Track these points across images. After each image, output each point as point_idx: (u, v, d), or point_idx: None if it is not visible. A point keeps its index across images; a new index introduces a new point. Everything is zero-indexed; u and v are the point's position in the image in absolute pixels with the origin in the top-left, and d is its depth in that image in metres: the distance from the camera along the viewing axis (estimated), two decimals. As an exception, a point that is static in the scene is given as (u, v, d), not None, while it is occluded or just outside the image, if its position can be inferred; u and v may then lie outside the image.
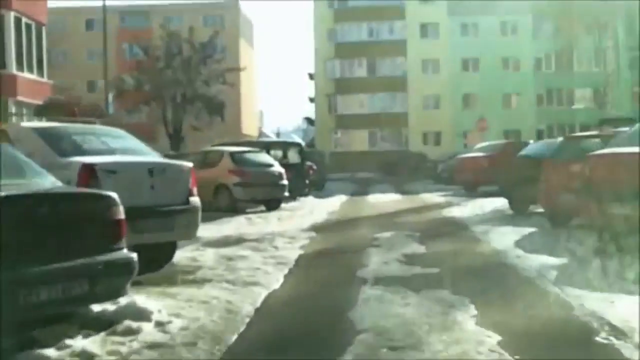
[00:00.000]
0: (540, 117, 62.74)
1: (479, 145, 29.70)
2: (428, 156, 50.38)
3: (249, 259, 10.27)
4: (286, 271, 9.32)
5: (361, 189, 34.20)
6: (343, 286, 8.21)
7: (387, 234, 13.27)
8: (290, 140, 39.06)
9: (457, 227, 14.87)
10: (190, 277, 8.91)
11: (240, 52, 73.34)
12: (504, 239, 12.09)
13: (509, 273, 8.81)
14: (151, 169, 9.06)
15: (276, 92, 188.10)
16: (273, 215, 18.76)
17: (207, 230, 14.59)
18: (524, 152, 18.60)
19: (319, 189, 31.66)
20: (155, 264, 9.57)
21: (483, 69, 63.54)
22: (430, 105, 65.00)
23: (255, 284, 8.31)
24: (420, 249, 11.22)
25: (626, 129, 12.23)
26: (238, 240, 12.77)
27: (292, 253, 10.98)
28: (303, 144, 33.56)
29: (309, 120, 77.01)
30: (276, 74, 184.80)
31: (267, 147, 24.60)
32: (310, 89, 72.95)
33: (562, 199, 13.05)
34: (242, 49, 74.93)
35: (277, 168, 21.21)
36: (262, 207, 20.87)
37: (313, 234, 13.96)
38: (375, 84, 64.47)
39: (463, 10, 63.38)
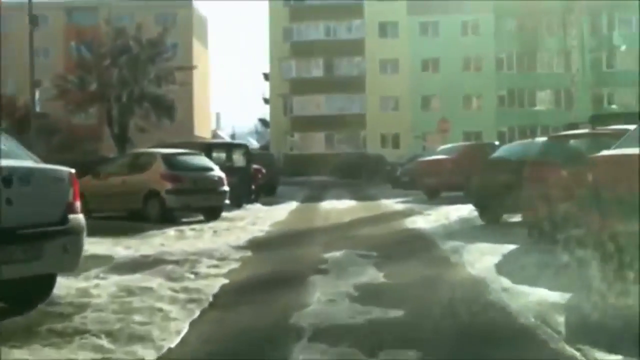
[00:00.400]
0: (502, 118, 60.96)
1: (441, 147, 27.69)
2: (387, 159, 48.18)
3: (154, 293, 7.79)
4: (196, 315, 6.86)
5: (315, 194, 31.77)
6: (268, 345, 5.79)
7: (337, 254, 10.84)
8: (234, 141, 36.52)
9: (421, 243, 12.52)
10: (62, 325, 6.38)
11: (194, 52, 70.61)
12: (481, 260, 9.78)
13: (500, 322, 6.44)
14: (7, 177, 6.52)
15: (232, 93, 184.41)
16: (210, 226, 16.24)
17: (124, 248, 12.21)
18: (497, 154, 16.40)
19: (270, 194, 29.31)
20: (25, 302, 7.15)
21: (443, 70, 61.51)
22: (389, 107, 62.82)
23: (143, 339, 5.85)
24: (378, 276, 8.81)
25: (631, 127, 9.99)
26: (154, 263, 10.27)
27: (214, 283, 8.51)
28: (251, 145, 31.17)
29: (263, 122, 74.52)
30: (232, 74, 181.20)
31: (208, 149, 22.10)
32: (265, 89, 70.53)
33: (554, 209, 10.81)
34: (195, 48, 72.15)
35: (217, 172, 18.73)
36: (201, 217, 18.43)
37: (248, 253, 11.51)
38: (332, 84, 62.16)
39: (423, 9, 61.31)
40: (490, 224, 14.80)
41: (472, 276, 8.75)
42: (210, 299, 7.60)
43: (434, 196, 24.74)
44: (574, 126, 16.84)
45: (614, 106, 52.28)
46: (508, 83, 61.72)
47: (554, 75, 61.28)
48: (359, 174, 49.45)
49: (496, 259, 9.87)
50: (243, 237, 13.80)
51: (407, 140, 59.80)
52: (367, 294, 7.61)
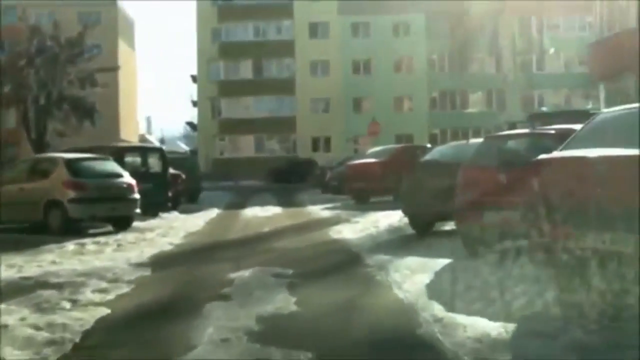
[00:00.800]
0: (434, 120, 60.31)
1: (370, 150, 26.57)
2: (317, 162, 46.94)
3: (7, 333, 6.28)
4: (48, 365, 5.40)
5: (241, 200, 30.21)
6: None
7: (247, 273, 9.42)
8: (149, 145, 34.77)
9: (345, 258, 11.19)
10: None
11: (119, 53, 68.34)
12: (411, 279, 8.50)
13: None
14: None
15: (163, 96, 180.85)
16: (117, 239, 14.65)
17: (6, 268, 10.63)
18: (428, 156, 15.22)
19: (192, 200, 27.72)
20: None
21: (375, 71, 60.55)
22: (320, 109, 61.60)
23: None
24: (289, 302, 7.42)
25: (577, 126, 8.87)
26: (32, 287, 8.74)
27: (91, 315, 7.02)
28: (182, 149, 29.51)
29: (191, 125, 72.57)
30: (162, 76, 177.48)
31: (120, 153, 20.43)
32: (193, 92, 68.53)
33: (491, 217, 9.64)
34: (121, 49, 69.86)
35: (127, 179, 17.13)
36: (110, 227, 16.84)
37: (147, 272, 10.02)
38: (261, 86, 60.73)
39: (354, 9, 60.24)
40: (422, 234, 13.58)
41: (399, 301, 7.45)
42: (77, 339, 6.12)
43: (364, 201, 23.57)
44: (513, 126, 15.74)
45: (544, 108, 52.09)
46: (440, 84, 61.11)
47: (486, 77, 61.09)
48: (289, 179, 48.25)
49: (428, 277, 8.60)
50: (148, 252, 12.31)
51: (339, 143, 58.63)
52: (271, 329, 6.25)
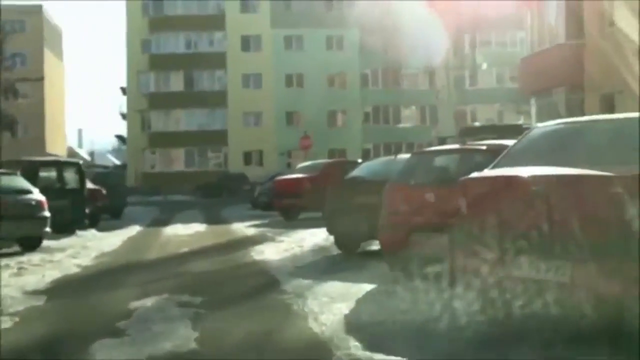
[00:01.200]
0: (367, 135, 60.00)
1: (300, 165, 25.89)
2: (248, 177, 46.04)
3: None
4: None
5: (166, 216, 29.08)
6: None
7: (150, 302, 8.51)
8: (66, 159, 33.40)
9: (263, 282, 10.34)
10: None
11: (45, 63, 66.45)
12: (329, 309, 7.71)
13: None
14: None
15: (93, 108, 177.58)
16: (20, 260, 13.43)
17: None
18: (355, 173, 14.52)
19: (115, 217, 26.58)
20: None
21: (308, 85, 59.99)
22: (252, 122, 60.71)
23: None
24: (189, 339, 6.51)
25: (510, 141, 8.26)
26: None
27: (-45, 357, 6.06)
28: (112, 162, 28.26)
29: (121, 139, 70.89)
30: (92, 88, 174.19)
31: (33, 168, 19.24)
32: (123, 104, 66.82)
33: (417, 239, 8.94)
34: (47, 59, 67.97)
35: (35, 196, 15.94)
36: (17, 247, 15.65)
37: (41, 301, 8.98)
38: (192, 99, 59.65)
39: (287, 22, 59.71)
40: (348, 254, 12.86)
41: (314, 335, 6.65)
42: None
43: (292, 218, 22.81)
44: (443, 141, 15.13)
45: (476, 123, 52.26)
46: (373, 99, 60.91)
47: (419, 92, 61.16)
48: (220, 193, 47.37)
49: (348, 306, 7.83)
50: (50, 276, 11.26)
51: (272, 157, 57.86)
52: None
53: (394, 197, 9.73)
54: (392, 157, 14.07)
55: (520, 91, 32.57)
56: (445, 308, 7.06)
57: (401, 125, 61.40)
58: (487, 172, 6.66)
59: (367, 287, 9.04)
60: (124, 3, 63.69)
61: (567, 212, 5.62)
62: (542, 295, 5.89)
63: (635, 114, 7.72)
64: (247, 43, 61.13)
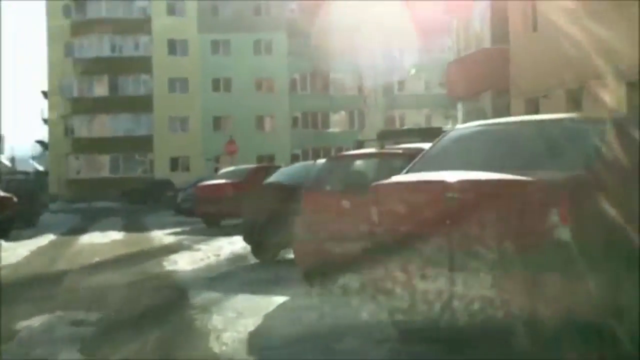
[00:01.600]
0: (296, 140, 59.43)
1: (223, 170, 25.19)
2: (174, 184, 44.99)
3: None
4: None
5: (85, 224, 27.96)
6: None
7: (39, 321, 7.78)
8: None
9: (170, 296, 9.67)
10: None
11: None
12: (234, 326, 7.14)
13: None
14: None
15: (13, 112, 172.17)
16: None
17: None
18: (272, 178, 13.96)
19: (30, 225, 25.38)
20: None
21: (235, 89, 58.98)
22: (179, 128, 59.44)
23: None
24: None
25: (425, 145, 7.83)
26: None
27: None
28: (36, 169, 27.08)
29: (42, 144, 68.86)
30: (12, 91, 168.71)
31: None
32: (45, 109, 64.81)
33: (331, 250, 8.43)
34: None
35: None
36: None
37: None
38: (117, 103, 58.01)
39: (214, 26, 58.69)
40: (264, 263, 12.29)
41: (213, 356, 6.07)
42: None
43: (214, 225, 22.12)
44: (361, 145, 14.63)
45: (405, 127, 52.35)
46: (302, 104, 60.34)
47: (348, 98, 60.89)
48: (145, 200, 46.31)
49: (254, 322, 7.28)
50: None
51: (199, 163, 56.66)
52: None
53: (308, 203, 9.20)
54: (311, 162, 13.54)
55: (448, 96, 32.53)
56: (357, 324, 6.60)
57: (330, 130, 60.96)
58: (400, 177, 6.18)
59: (279, 299, 8.51)
60: (43, 3, 61.82)
61: (483, 219, 5.17)
62: (452, 306, 5.47)
63: (556, 115, 7.35)
64: (173, 47, 59.83)
